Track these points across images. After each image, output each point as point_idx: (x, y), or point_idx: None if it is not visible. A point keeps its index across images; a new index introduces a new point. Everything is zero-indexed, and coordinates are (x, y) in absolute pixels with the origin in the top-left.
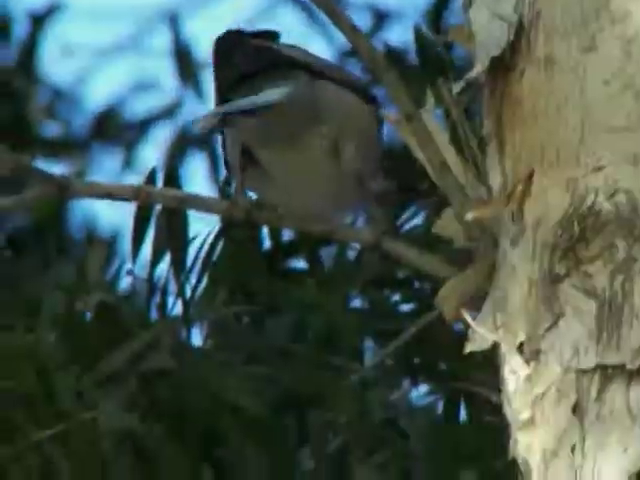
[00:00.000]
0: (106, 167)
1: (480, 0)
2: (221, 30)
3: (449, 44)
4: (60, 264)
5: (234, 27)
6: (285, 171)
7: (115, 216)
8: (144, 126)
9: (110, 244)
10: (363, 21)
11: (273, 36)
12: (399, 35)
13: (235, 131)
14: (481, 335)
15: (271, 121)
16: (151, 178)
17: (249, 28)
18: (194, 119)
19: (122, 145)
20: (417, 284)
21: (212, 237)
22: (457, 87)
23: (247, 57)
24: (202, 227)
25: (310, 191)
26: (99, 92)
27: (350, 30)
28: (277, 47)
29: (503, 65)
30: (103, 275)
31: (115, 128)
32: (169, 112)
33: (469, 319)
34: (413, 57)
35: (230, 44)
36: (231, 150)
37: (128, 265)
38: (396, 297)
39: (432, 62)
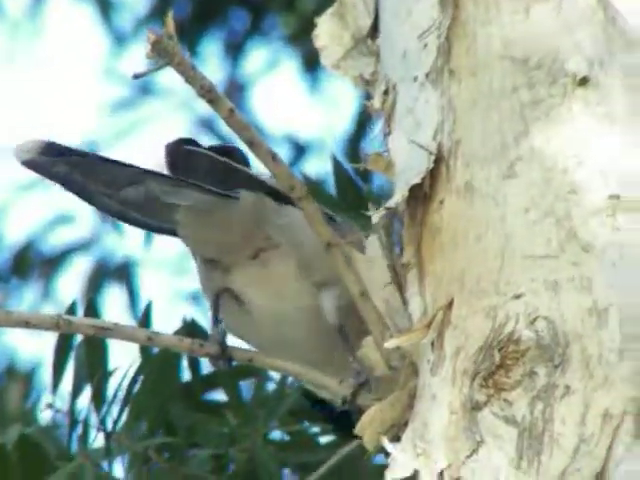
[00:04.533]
0: (25, 301)
1: (399, 128)
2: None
3: (367, 172)
4: None
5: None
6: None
7: (34, 348)
8: (62, 259)
9: (29, 376)
10: (283, 153)
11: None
12: (318, 166)
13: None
14: (401, 463)
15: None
16: (71, 309)
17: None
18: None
19: (40, 278)
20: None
21: (133, 369)
22: (376, 216)
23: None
24: (122, 358)
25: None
26: (16, 225)
27: (270, 159)
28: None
29: (422, 193)
30: (23, 408)
31: (33, 262)
32: (87, 245)
33: (390, 447)
34: (331, 187)
35: (186, 150)
36: (205, 282)
37: (48, 397)
38: (316, 429)
39: (349, 192)
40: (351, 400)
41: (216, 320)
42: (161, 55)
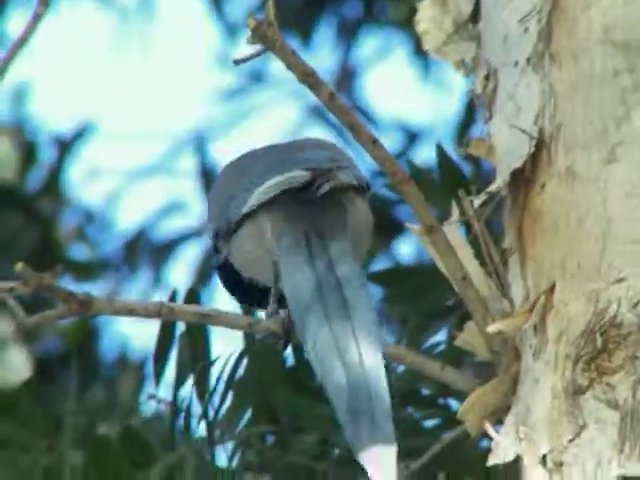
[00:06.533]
0: (136, 289)
1: (500, 113)
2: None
3: (477, 158)
4: (90, 386)
5: None
6: None
7: (146, 338)
8: (172, 248)
9: (141, 367)
10: (394, 139)
11: None
12: (429, 152)
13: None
14: (504, 448)
15: None
16: (173, 297)
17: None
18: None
19: (151, 267)
20: (442, 400)
21: (235, 356)
22: (478, 200)
23: None
24: (225, 346)
25: None
26: (128, 214)
27: (371, 144)
28: None
29: (524, 178)
30: (134, 398)
31: (144, 250)
32: (197, 233)
33: (492, 432)
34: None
35: None
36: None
37: (151, 388)
38: (420, 414)
39: (453, 177)
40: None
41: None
42: (261, 41)
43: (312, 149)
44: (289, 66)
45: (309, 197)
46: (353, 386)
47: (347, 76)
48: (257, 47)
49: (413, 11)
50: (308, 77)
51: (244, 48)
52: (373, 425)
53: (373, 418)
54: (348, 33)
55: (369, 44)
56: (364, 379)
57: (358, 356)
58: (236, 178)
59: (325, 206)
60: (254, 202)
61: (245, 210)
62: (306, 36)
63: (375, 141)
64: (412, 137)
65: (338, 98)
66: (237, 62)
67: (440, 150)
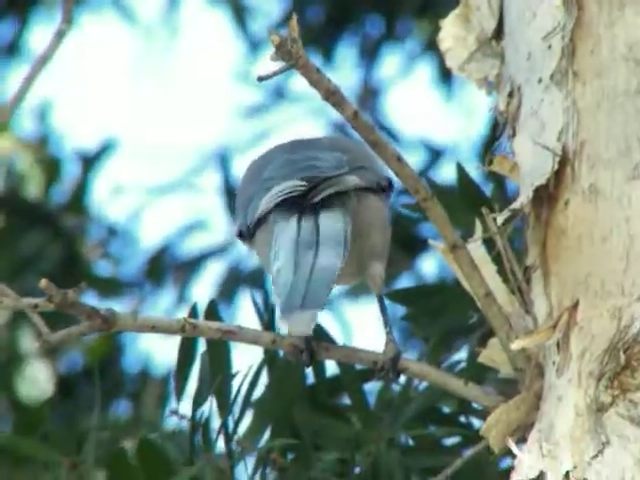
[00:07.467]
0: (159, 306)
1: (524, 130)
2: None
3: (498, 175)
4: (113, 402)
5: None
6: None
7: (169, 354)
8: (196, 264)
9: (164, 382)
10: (417, 158)
11: None
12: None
13: None
14: (527, 464)
15: None
16: (193, 313)
17: None
18: None
19: (175, 284)
20: (462, 418)
21: (255, 371)
22: (502, 217)
23: None
24: (247, 361)
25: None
26: (151, 230)
27: (395, 160)
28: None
29: (547, 195)
30: (157, 413)
31: (167, 267)
32: (220, 250)
33: (515, 449)
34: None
35: None
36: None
37: (174, 404)
38: (440, 432)
39: (473, 195)
40: (391, 365)
41: None
42: (285, 58)
43: (325, 152)
44: (312, 83)
45: (308, 204)
46: (296, 279)
47: (369, 94)
48: (281, 64)
49: (436, 29)
50: (332, 95)
51: (268, 65)
52: (304, 300)
53: (306, 295)
54: (370, 51)
55: (391, 62)
56: (309, 274)
57: (312, 259)
58: (254, 178)
59: (326, 206)
60: (263, 208)
61: (256, 217)
62: (328, 54)
63: (399, 158)
64: (435, 155)
65: (362, 116)
66: (261, 79)
67: (460, 168)
